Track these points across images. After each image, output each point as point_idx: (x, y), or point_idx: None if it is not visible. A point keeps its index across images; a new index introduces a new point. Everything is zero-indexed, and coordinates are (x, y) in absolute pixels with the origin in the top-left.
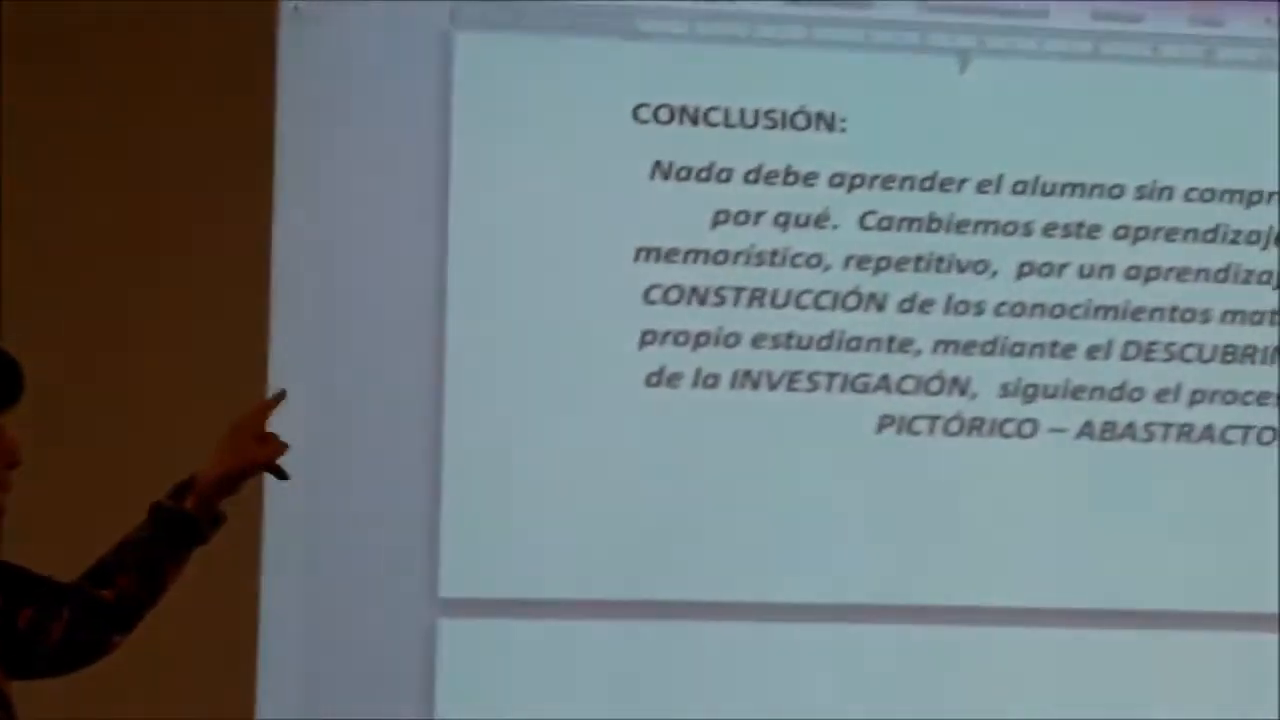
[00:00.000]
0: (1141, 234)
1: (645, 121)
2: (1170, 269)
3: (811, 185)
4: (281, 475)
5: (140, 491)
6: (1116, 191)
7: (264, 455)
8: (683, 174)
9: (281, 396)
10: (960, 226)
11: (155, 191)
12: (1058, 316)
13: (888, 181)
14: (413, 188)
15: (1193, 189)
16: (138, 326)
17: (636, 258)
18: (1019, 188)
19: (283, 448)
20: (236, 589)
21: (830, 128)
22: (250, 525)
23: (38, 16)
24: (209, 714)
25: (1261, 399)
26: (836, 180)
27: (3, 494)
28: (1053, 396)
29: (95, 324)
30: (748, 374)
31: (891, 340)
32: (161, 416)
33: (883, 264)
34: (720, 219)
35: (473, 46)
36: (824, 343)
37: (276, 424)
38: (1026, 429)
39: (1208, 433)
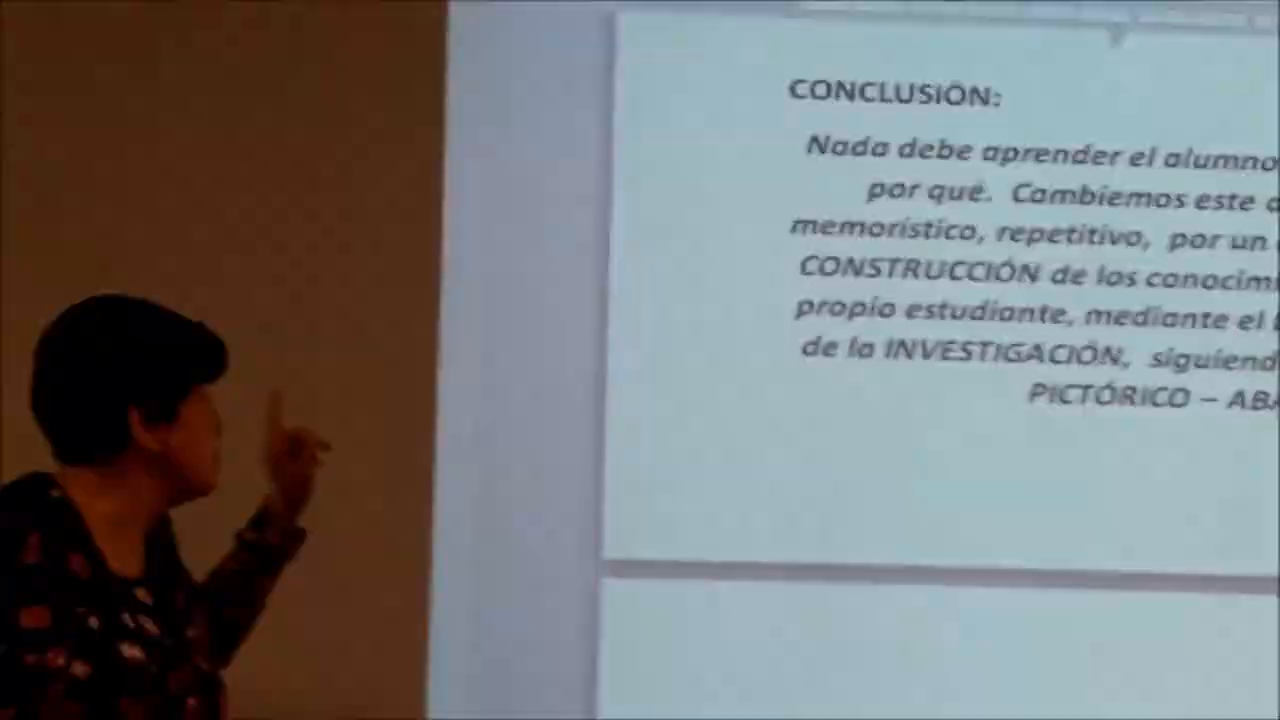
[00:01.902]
0: None
1: (803, 97)
2: None
3: (965, 158)
4: (324, 447)
5: (318, 491)
6: (1269, 164)
7: (305, 466)
8: (839, 148)
9: (279, 400)
10: (1113, 199)
11: (324, 184)
12: (1210, 288)
13: (1040, 155)
14: (576, 165)
15: None
16: (309, 321)
17: (794, 230)
18: (1171, 161)
19: (314, 445)
20: (409, 548)
21: (984, 102)
22: (422, 489)
23: (201, 16)
24: (381, 668)
25: None
26: (990, 153)
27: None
28: (1204, 366)
29: (266, 321)
30: (902, 343)
31: (1044, 310)
32: (336, 408)
33: (1036, 235)
34: (876, 192)
35: (635, 25)
36: (977, 313)
37: (450, 403)
38: (1179, 398)
39: None
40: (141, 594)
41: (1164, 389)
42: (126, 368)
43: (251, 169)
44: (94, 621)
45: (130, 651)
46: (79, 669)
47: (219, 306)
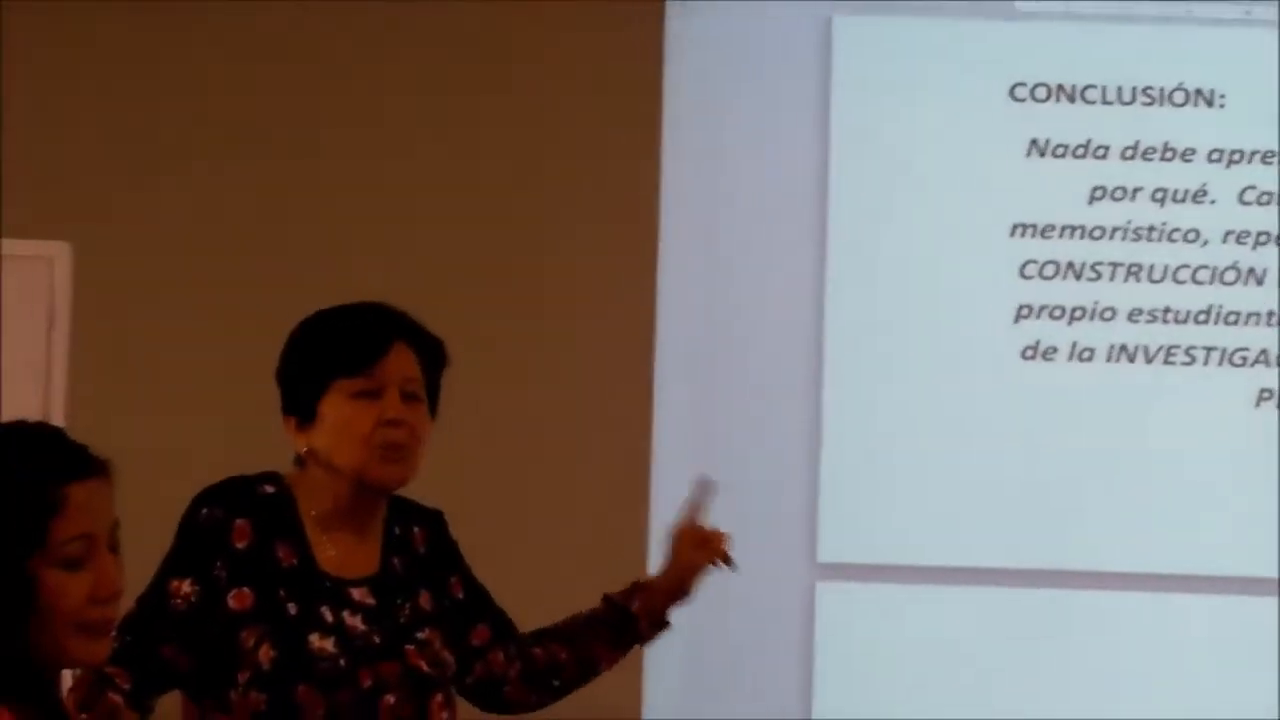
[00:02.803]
0: None
1: (1022, 100)
2: None
3: (1189, 161)
4: (729, 565)
5: (539, 494)
6: None
7: (705, 560)
8: (1059, 151)
9: (709, 488)
10: None
11: (542, 185)
12: None
13: (1267, 156)
14: (794, 169)
15: None
16: (524, 326)
17: (1013, 233)
18: None
19: (723, 543)
20: (628, 549)
21: (1209, 104)
22: (640, 493)
23: (405, 19)
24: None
25: None
26: (1215, 155)
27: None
28: None
29: (479, 328)
30: (1123, 348)
31: (1271, 315)
32: (556, 402)
33: (1262, 239)
34: (1097, 195)
35: (851, 30)
36: (1201, 317)
37: (666, 407)
38: None
39: None
40: (359, 593)
41: None
42: (280, 379)
43: (470, 169)
44: (292, 609)
45: (319, 643)
46: (264, 656)
47: (433, 299)
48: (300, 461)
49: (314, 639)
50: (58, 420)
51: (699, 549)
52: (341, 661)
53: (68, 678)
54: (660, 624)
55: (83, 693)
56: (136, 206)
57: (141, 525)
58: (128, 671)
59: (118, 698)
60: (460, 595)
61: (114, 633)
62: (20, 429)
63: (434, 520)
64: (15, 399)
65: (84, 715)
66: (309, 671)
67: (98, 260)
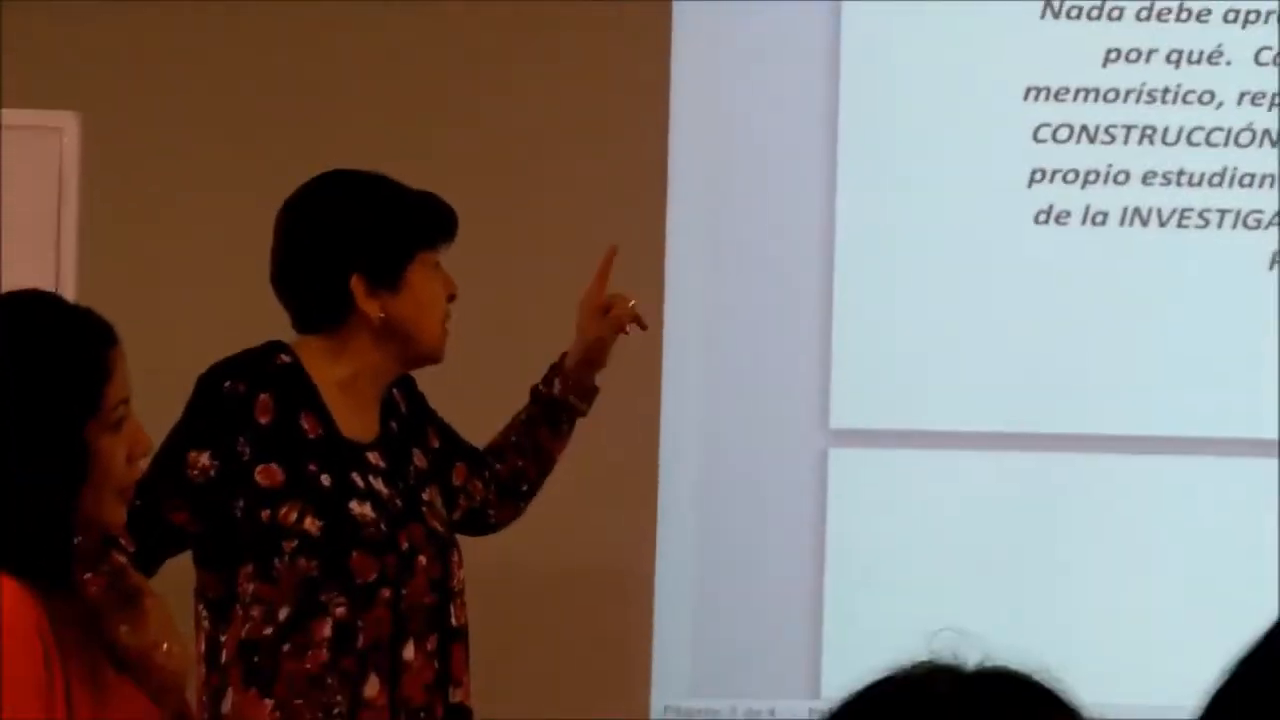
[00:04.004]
0: None
1: None
2: None
3: (1204, 22)
4: (641, 325)
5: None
6: None
7: (611, 326)
8: (1074, 13)
9: (612, 253)
10: None
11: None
12: None
13: None
14: (804, 33)
15: None
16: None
17: (1026, 97)
18: None
19: (627, 309)
20: (637, 417)
21: None
22: (651, 354)
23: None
24: (613, 530)
25: None
26: (1230, 16)
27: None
28: None
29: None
30: (1137, 211)
31: None
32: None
33: (1277, 100)
34: (1111, 57)
35: None
36: (1215, 179)
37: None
38: None
39: None
40: (374, 457)
41: None
42: (348, 236)
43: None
44: (325, 480)
45: (360, 509)
46: (311, 525)
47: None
48: (331, 321)
49: (353, 505)
50: (69, 294)
51: (603, 318)
52: (382, 525)
53: None
54: (589, 391)
55: (85, 551)
56: (146, 75)
57: (154, 396)
58: (135, 535)
59: (122, 558)
60: (437, 444)
61: None
62: (50, 299)
63: (406, 380)
64: (24, 276)
65: (88, 575)
66: (358, 537)
67: (106, 131)
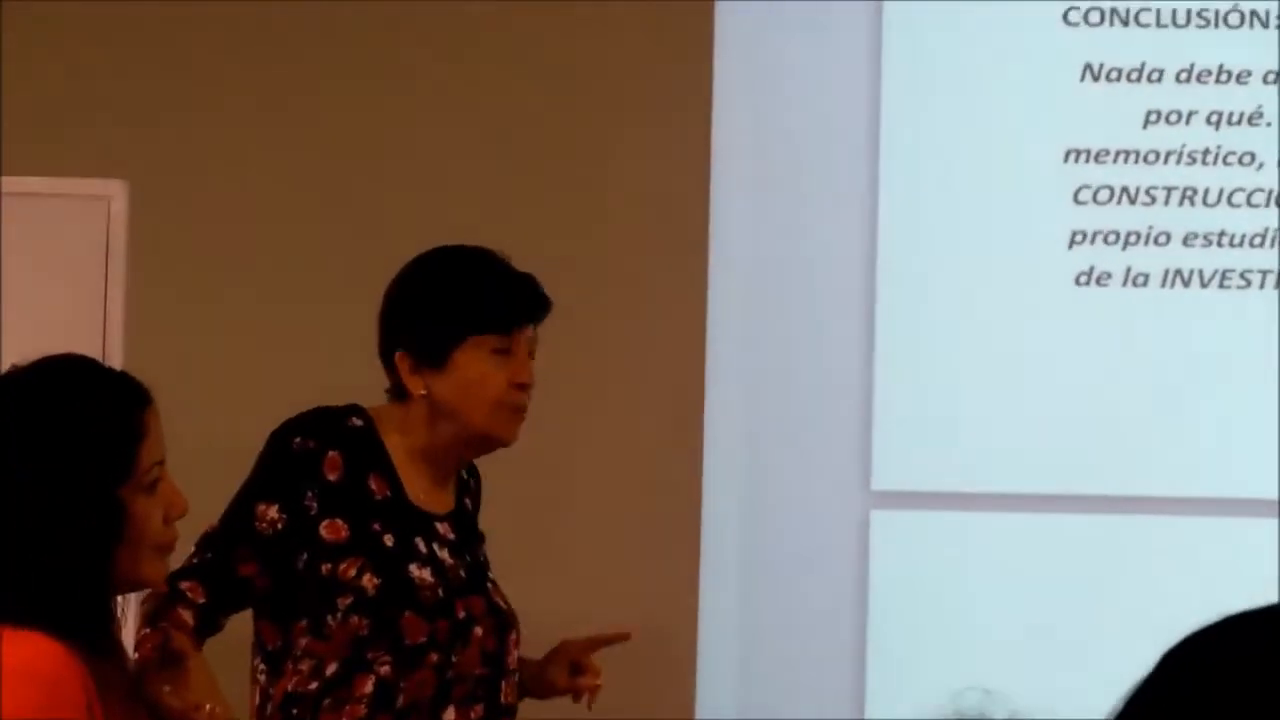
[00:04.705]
0: None
1: (1075, 24)
2: None
3: (1244, 83)
4: (588, 704)
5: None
6: None
7: (568, 687)
8: (1113, 75)
9: (620, 638)
10: None
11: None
12: None
13: None
14: (846, 92)
15: None
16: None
17: (1066, 159)
18: None
19: (592, 686)
20: (681, 480)
21: (1264, 25)
22: (693, 414)
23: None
24: (655, 590)
25: None
26: (1270, 78)
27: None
28: None
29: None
30: (1178, 272)
31: None
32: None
33: None
34: (1151, 119)
35: None
36: (1256, 240)
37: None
38: None
39: None
40: (443, 528)
41: None
42: (398, 314)
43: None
44: (388, 540)
45: (419, 573)
46: (368, 582)
47: None
48: (400, 395)
49: (413, 568)
50: (116, 361)
51: (569, 675)
52: (440, 591)
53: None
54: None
55: (153, 605)
56: (194, 141)
57: (202, 460)
58: (204, 587)
59: (188, 613)
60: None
61: (192, 549)
62: (84, 362)
63: (478, 477)
64: (71, 342)
65: (146, 629)
66: (413, 599)
67: (154, 198)
